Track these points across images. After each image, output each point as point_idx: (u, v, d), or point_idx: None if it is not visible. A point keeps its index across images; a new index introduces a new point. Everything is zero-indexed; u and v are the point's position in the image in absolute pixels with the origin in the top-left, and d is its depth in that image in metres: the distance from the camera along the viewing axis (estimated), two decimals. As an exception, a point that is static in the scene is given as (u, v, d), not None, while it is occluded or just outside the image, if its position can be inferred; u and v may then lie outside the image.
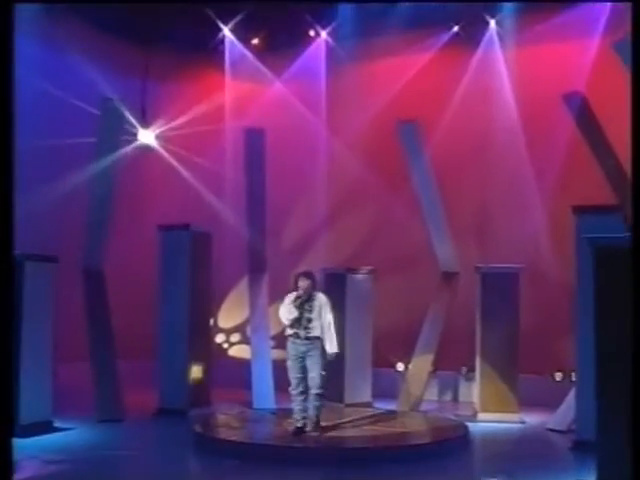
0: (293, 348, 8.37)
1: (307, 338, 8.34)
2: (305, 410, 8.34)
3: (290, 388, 8.44)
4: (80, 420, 9.70)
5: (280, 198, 12.45)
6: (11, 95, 5.15)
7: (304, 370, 8.33)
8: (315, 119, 13.49)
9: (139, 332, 11.85)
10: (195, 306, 10.92)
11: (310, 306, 8.38)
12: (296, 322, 8.33)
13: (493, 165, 12.29)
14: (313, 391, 8.32)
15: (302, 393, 8.35)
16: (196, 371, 10.83)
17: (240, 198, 11.61)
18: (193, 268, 10.87)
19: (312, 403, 8.35)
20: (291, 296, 8.43)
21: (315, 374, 8.28)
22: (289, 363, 8.40)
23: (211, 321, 11.87)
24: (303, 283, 8.37)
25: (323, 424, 8.58)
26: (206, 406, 10.81)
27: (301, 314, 8.30)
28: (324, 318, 8.34)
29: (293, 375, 8.37)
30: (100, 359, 10.31)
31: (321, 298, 8.46)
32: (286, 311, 8.39)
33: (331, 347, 8.31)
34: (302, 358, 8.34)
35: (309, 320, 8.32)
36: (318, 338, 8.35)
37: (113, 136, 10.43)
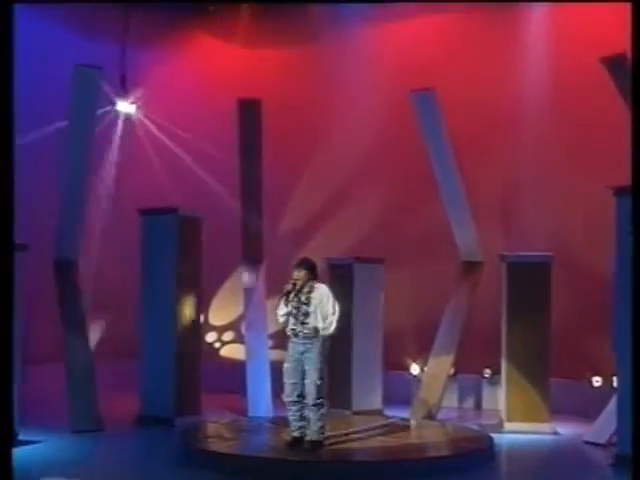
0: (291, 348, 8.38)
1: (305, 336, 8.31)
2: (302, 418, 8.34)
3: (284, 395, 8.44)
4: (51, 431, 9.65)
5: (279, 179, 12.57)
6: (11, 95, 5.65)
7: (302, 375, 8.32)
8: (319, 90, 13.64)
9: (119, 330, 11.98)
10: (183, 301, 10.96)
11: (307, 298, 8.32)
12: (292, 317, 8.31)
13: (521, 140, 12.35)
14: (310, 401, 8.28)
15: (296, 402, 8.34)
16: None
17: (234, 178, 11.67)
18: (180, 258, 10.87)
19: (313, 414, 8.30)
20: (288, 287, 8.41)
21: (310, 380, 8.26)
22: (285, 365, 8.41)
23: (201, 317, 11.77)
24: (298, 273, 8.33)
25: (328, 434, 8.58)
26: (195, 414, 10.83)
27: (297, 308, 8.27)
28: (324, 311, 8.27)
29: (288, 380, 8.37)
30: (74, 360, 10.32)
31: (322, 289, 8.40)
32: (279, 307, 8.42)
33: (324, 328, 8.27)
34: (299, 359, 8.33)
35: (306, 314, 8.27)
36: (316, 337, 8.31)
37: (87, 108, 10.33)
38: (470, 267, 11.50)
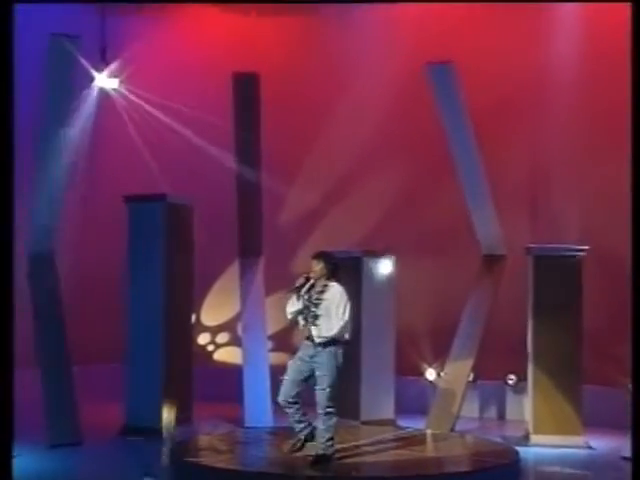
0: (303, 348, 8.43)
1: (315, 342, 8.34)
2: (303, 418, 8.43)
3: (279, 396, 8.41)
4: (25, 445, 9.40)
5: (280, 162, 12.56)
6: (11, 94, 5.80)
7: (303, 377, 8.35)
8: (325, 63, 13.64)
9: (101, 331, 11.97)
10: (172, 299, 10.92)
11: (318, 299, 8.33)
12: (302, 317, 8.37)
13: (550, 119, 12.31)
14: (319, 410, 8.29)
15: (293, 402, 8.37)
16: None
17: (229, 161, 11.67)
18: (170, 250, 10.88)
19: (321, 424, 8.33)
20: (300, 280, 8.44)
21: (320, 387, 8.27)
22: (289, 362, 8.49)
23: (193, 317, 11.89)
24: (315, 266, 8.39)
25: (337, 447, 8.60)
26: (186, 424, 10.88)
27: (307, 307, 8.32)
28: (334, 314, 8.27)
29: (287, 376, 8.41)
30: (51, 365, 10.27)
31: (335, 290, 8.38)
32: (289, 302, 8.46)
33: (332, 334, 8.27)
34: (308, 362, 8.34)
35: (315, 317, 8.30)
36: (328, 342, 8.29)
37: (64, 81, 10.26)
38: (492, 261, 11.49)
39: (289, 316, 8.44)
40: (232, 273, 12.71)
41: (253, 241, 11.58)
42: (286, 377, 8.42)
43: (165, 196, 10.91)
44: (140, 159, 13.56)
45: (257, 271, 11.54)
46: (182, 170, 13.37)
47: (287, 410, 8.42)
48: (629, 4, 7.38)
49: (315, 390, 8.30)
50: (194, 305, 11.94)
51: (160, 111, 13.67)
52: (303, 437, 8.48)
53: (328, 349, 8.26)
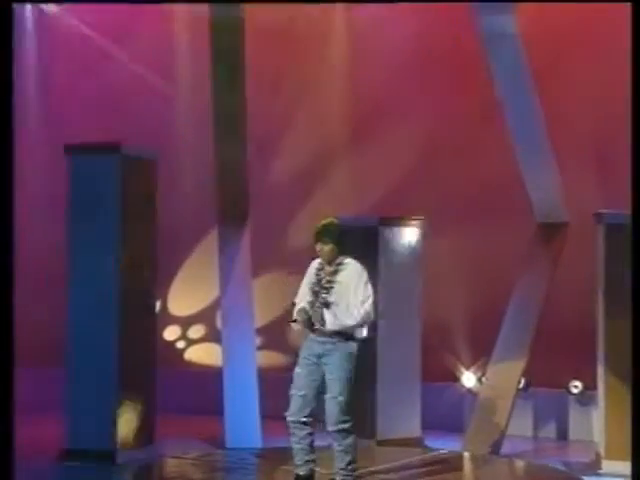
0: (306, 348, 8.33)
1: (323, 333, 8.15)
2: (312, 450, 8.32)
3: (287, 412, 8.27)
4: None
5: (271, 109, 12.84)
6: (11, 93, 6.69)
7: (315, 385, 8.23)
8: None
9: (32, 325, 11.94)
10: (129, 282, 10.74)
11: (329, 282, 8.18)
12: (310, 310, 8.27)
13: (621, 57, 11.77)
14: (330, 428, 8.13)
15: (304, 425, 8.22)
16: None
17: (205, 103, 11.70)
18: (125, 218, 10.69)
19: (337, 444, 8.20)
20: (314, 265, 8.41)
21: (330, 395, 8.14)
22: (296, 370, 8.38)
23: (157, 305, 11.67)
24: (320, 248, 8.26)
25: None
26: (147, 445, 10.77)
27: (315, 294, 8.26)
28: (350, 300, 8.14)
29: (295, 391, 8.28)
30: None
31: (351, 269, 8.25)
32: (300, 292, 8.46)
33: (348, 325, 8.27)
34: (316, 365, 8.24)
35: (326, 305, 8.13)
36: (341, 334, 8.14)
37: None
38: (550, 231, 11.62)
39: (295, 314, 8.26)
40: (209, 247, 12.71)
41: (236, 204, 11.58)
42: (294, 390, 8.29)
43: (119, 146, 10.67)
44: (91, 99, 13.67)
45: (241, 244, 11.53)
46: (144, 115, 13.44)
47: (295, 432, 8.28)
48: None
49: (325, 400, 8.23)
50: (158, 290, 11.71)
51: (118, 39, 13.83)
52: (305, 473, 8.29)
53: (340, 346, 8.13)
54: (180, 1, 13.56)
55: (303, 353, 8.34)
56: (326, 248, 8.20)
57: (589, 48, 12.55)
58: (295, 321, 8.22)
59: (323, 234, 8.22)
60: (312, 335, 8.26)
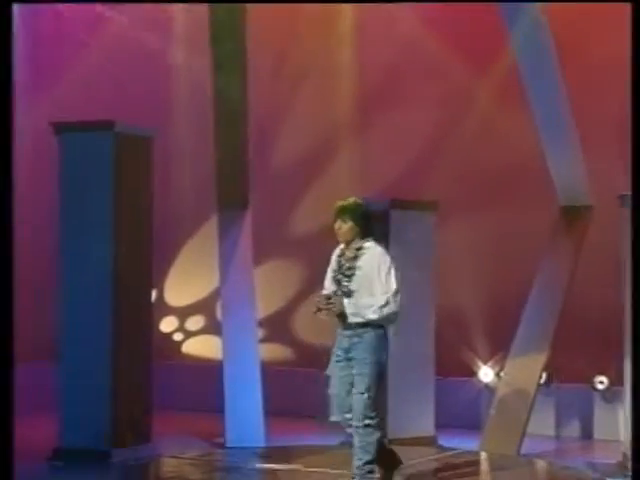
0: (337, 342, 8.42)
1: (348, 326, 8.21)
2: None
3: (333, 414, 8.51)
4: None
5: (274, 91, 12.90)
6: (10, 93, 6.97)
7: (347, 381, 8.31)
8: None
9: (22, 317, 11.23)
10: (123, 270, 10.66)
11: (350, 269, 8.23)
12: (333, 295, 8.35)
13: None
14: (355, 423, 8.23)
15: (347, 424, 8.43)
16: None
17: (204, 82, 11.72)
18: (119, 202, 10.60)
19: (358, 440, 8.25)
20: (336, 252, 8.48)
21: (356, 391, 8.24)
22: (329, 367, 8.53)
23: (153, 295, 11.63)
24: (341, 228, 8.31)
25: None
26: (144, 444, 10.69)
27: (338, 282, 8.35)
28: (374, 287, 8.19)
29: (330, 390, 8.44)
30: None
31: (372, 253, 8.28)
32: (326, 282, 8.55)
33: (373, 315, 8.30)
34: (345, 360, 8.34)
35: (348, 294, 8.19)
36: (367, 326, 8.15)
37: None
38: (573, 215, 11.63)
39: (318, 304, 8.24)
40: (208, 233, 12.73)
41: (237, 188, 11.56)
42: (329, 390, 8.43)
43: (112, 123, 10.57)
44: (83, 73, 13.69)
45: (242, 230, 11.52)
46: (140, 91, 13.47)
47: (346, 430, 8.48)
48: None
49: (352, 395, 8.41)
50: (155, 278, 11.60)
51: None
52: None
53: (366, 337, 8.15)
54: (180, 1, 13.81)
55: (334, 348, 8.44)
56: (345, 227, 8.21)
57: (616, 26, 12.04)
58: (320, 310, 8.18)
59: (343, 212, 8.25)
60: (339, 329, 8.33)
